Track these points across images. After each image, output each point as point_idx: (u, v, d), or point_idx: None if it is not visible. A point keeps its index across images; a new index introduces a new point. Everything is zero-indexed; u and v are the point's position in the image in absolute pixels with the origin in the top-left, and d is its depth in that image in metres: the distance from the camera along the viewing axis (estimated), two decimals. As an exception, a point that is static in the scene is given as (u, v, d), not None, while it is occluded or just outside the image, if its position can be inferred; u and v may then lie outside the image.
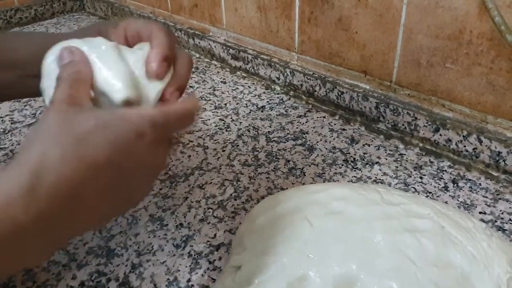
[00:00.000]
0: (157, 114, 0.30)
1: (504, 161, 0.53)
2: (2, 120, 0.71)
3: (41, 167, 0.25)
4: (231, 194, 0.52)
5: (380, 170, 0.56)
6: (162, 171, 0.34)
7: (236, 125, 0.68)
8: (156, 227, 0.48)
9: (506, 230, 0.46)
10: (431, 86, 0.59)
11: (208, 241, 0.46)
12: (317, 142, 0.63)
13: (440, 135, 0.58)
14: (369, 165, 0.57)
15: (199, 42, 0.93)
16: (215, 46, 0.89)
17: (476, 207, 0.49)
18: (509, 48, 0.48)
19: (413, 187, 0.53)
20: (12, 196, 0.24)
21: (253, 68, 0.82)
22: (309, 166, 0.57)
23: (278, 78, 0.78)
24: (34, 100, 0.77)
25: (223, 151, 0.61)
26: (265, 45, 0.80)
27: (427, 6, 0.55)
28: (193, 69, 0.90)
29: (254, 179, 0.55)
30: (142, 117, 0.29)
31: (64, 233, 0.28)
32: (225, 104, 0.74)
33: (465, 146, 0.56)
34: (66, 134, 0.26)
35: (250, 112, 0.72)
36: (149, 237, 0.47)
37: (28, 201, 0.24)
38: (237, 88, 0.80)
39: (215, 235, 0.47)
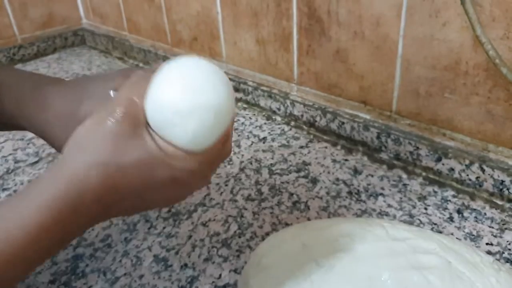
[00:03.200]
0: (198, 164, 0.32)
1: (508, 189, 0.53)
2: (6, 159, 0.72)
3: (83, 181, 0.29)
4: (235, 231, 0.52)
5: (385, 201, 0.56)
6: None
7: (238, 157, 0.68)
8: (161, 268, 0.48)
9: (514, 261, 0.46)
10: (431, 116, 0.59)
11: (213, 281, 0.45)
12: (320, 173, 0.63)
13: (443, 164, 0.58)
14: (373, 196, 0.57)
15: (199, 75, 0.94)
16: (215, 79, 0.90)
17: (482, 238, 0.49)
18: (505, 79, 0.49)
19: (418, 219, 0.52)
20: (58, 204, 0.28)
21: (254, 99, 0.83)
22: (313, 199, 0.57)
23: (279, 109, 0.79)
24: (37, 138, 0.77)
25: (226, 185, 0.62)
26: (265, 77, 0.81)
27: (423, 38, 0.56)
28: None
29: (258, 215, 0.55)
30: (185, 168, 0.32)
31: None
32: (227, 137, 0.75)
33: (468, 175, 0.56)
34: (112, 158, 0.29)
35: (252, 144, 0.72)
36: (153, 278, 0.46)
37: (75, 204, 0.28)
38: (238, 119, 0.81)
39: (220, 275, 0.46)
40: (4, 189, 0.64)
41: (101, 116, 0.30)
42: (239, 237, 0.51)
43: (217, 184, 0.62)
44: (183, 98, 0.31)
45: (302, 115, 0.75)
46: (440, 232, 0.50)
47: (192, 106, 0.31)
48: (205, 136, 0.31)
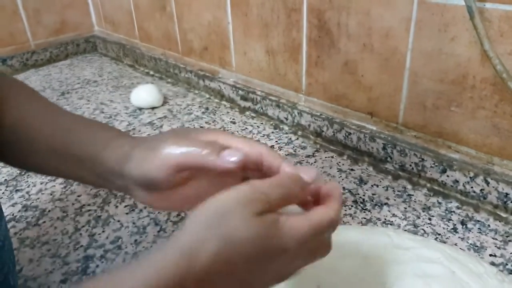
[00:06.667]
0: (307, 233, 0.29)
1: (512, 202, 0.54)
2: (18, 161, 0.73)
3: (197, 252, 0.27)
4: (242, 237, 0.53)
5: (389, 211, 0.57)
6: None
7: (246, 165, 0.69)
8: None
9: (517, 273, 0.46)
10: (437, 128, 0.60)
11: (220, 285, 0.46)
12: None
13: (447, 176, 0.59)
14: (378, 206, 0.58)
15: (209, 84, 0.96)
16: (224, 88, 0.91)
17: (486, 249, 0.50)
18: (512, 93, 0.50)
19: (422, 229, 0.53)
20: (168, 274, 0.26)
21: (262, 108, 0.84)
22: (319, 207, 0.58)
23: (286, 119, 0.80)
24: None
25: (234, 192, 0.62)
26: (273, 86, 0.83)
27: (431, 52, 0.57)
28: (203, 110, 0.92)
29: (265, 221, 0.56)
30: (293, 238, 0.29)
31: None
32: (235, 144, 0.76)
33: (472, 187, 0.57)
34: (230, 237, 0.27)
35: (259, 152, 0.73)
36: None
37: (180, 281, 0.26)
38: (246, 128, 0.82)
39: (227, 278, 0.47)
40: (17, 190, 0.65)
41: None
42: (246, 242, 0.52)
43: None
44: None
45: (309, 125, 0.76)
46: (444, 243, 0.50)
47: None
48: None
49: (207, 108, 0.91)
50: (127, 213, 0.59)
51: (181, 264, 0.26)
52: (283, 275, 0.31)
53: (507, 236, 0.51)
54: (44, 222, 0.58)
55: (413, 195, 0.60)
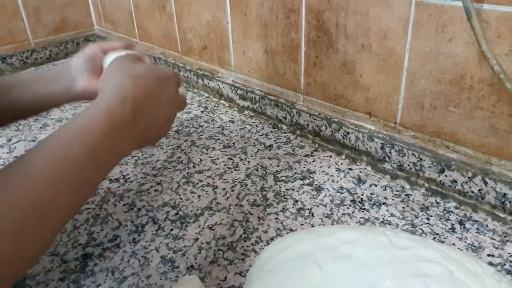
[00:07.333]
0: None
1: (510, 202, 0.54)
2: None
3: (124, 90, 0.39)
4: (240, 235, 0.53)
5: (388, 211, 0.57)
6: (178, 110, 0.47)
7: (244, 164, 0.70)
8: (168, 269, 0.49)
9: (514, 273, 0.46)
10: (435, 128, 0.61)
11: (218, 283, 0.46)
12: (325, 182, 0.64)
13: (446, 176, 0.59)
14: (377, 205, 0.58)
15: (208, 83, 0.96)
16: (223, 87, 0.91)
17: (484, 249, 0.50)
18: (509, 94, 0.50)
19: (420, 229, 0.53)
20: (112, 106, 0.37)
21: (261, 108, 0.84)
22: (317, 206, 0.58)
23: (285, 118, 0.80)
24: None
25: (232, 190, 0.63)
26: (272, 86, 0.83)
27: (429, 52, 0.57)
28: (202, 109, 0.92)
29: (263, 220, 0.56)
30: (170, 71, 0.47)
31: (139, 134, 0.40)
32: (234, 143, 0.76)
33: (470, 187, 0.57)
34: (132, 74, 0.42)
35: (258, 151, 0.73)
36: (160, 279, 0.47)
37: (122, 107, 0.38)
38: (245, 127, 0.82)
39: (225, 277, 0.47)
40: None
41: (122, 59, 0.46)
42: (245, 241, 0.52)
43: (224, 189, 0.63)
44: None
45: (307, 124, 0.76)
46: (442, 242, 0.50)
47: None
48: None
49: (206, 107, 0.91)
50: (125, 212, 0.59)
51: (122, 102, 0.38)
52: (169, 117, 0.45)
53: (505, 236, 0.52)
54: (43, 220, 0.58)
55: (411, 195, 0.60)
